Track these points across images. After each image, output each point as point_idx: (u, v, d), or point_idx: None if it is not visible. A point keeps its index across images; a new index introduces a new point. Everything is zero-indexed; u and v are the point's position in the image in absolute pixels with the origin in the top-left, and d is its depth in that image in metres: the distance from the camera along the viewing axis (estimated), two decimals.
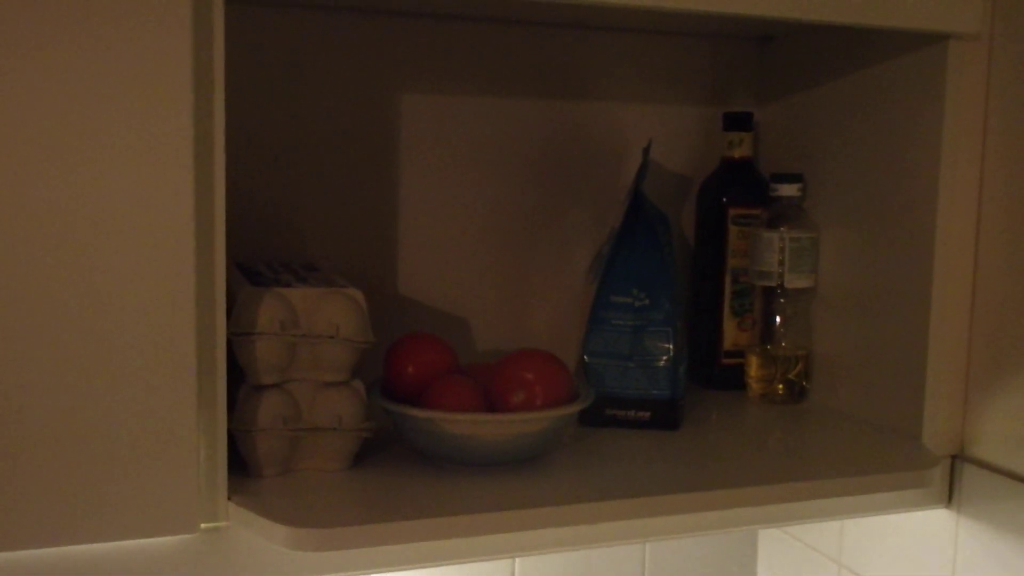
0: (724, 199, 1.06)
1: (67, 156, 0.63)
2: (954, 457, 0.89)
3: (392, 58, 0.99)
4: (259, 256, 0.93)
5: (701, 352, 1.07)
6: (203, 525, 0.69)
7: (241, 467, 0.75)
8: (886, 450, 0.88)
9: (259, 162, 0.96)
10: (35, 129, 0.62)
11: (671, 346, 0.92)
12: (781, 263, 1.00)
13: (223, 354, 0.69)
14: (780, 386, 1.02)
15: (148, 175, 0.65)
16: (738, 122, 1.07)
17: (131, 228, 0.65)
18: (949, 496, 0.89)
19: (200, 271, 0.67)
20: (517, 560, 1.08)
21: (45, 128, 0.63)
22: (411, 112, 1.00)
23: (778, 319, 1.02)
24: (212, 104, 0.67)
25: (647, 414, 0.92)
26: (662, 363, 0.92)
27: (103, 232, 0.64)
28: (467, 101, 1.02)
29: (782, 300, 1.02)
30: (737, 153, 1.07)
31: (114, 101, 0.64)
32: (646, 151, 0.97)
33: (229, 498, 0.70)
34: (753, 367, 1.03)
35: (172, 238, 0.66)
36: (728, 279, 1.06)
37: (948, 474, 0.89)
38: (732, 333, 1.06)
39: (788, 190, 1.01)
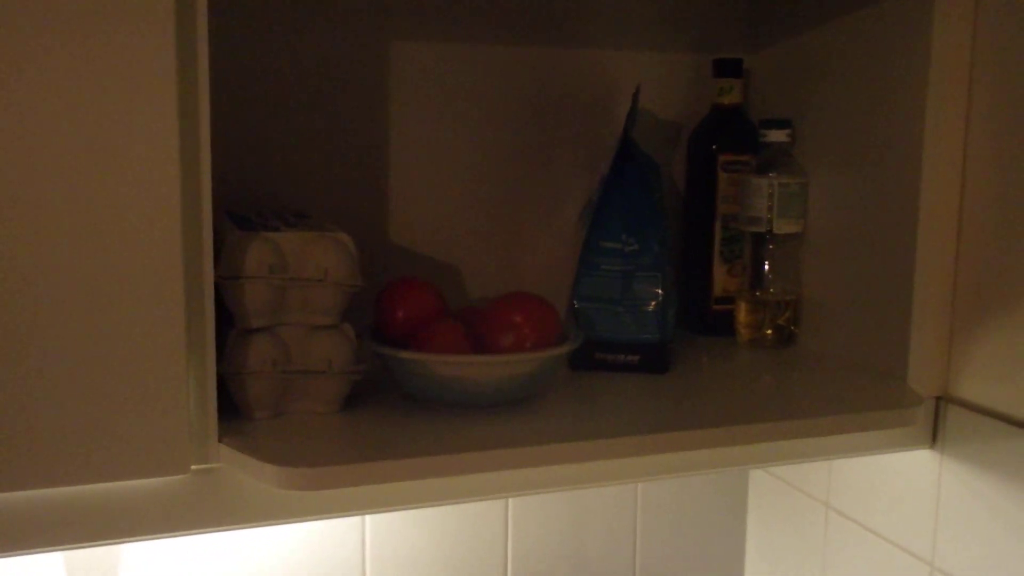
0: (714, 146, 1.06)
1: (53, 103, 0.63)
2: (939, 398, 0.90)
3: (382, 5, 0.99)
4: (250, 205, 0.93)
5: (692, 299, 1.08)
6: (194, 466, 0.70)
7: (233, 410, 0.76)
8: (871, 391, 0.89)
9: (249, 110, 0.95)
10: (20, 75, 0.62)
11: (660, 291, 0.92)
12: (770, 209, 1.00)
13: (211, 298, 0.70)
14: (769, 331, 1.02)
15: (133, 122, 0.65)
16: (728, 68, 1.06)
17: (116, 174, 0.65)
18: (933, 436, 0.90)
19: (186, 216, 0.67)
20: (510, 501, 1.10)
21: (31, 73, 0.63)
22: (401, 59, 1.00)
23: (767, 265, 1.03)
24: (196, 49, 0.67)
25: (636, 358, 0.92)
26: (651, 307, 0.92)
27: (90, 180, 0.65)
28: (457, 48, 1.02)
29: (771, 246, 1.02)
30: (727, 100, 1.06)
31: (95, 42, 0.64)
32: (635, 96, 0.97)
33: (220, 440, 0.71)
34: (742, 312, 1.04)
35: (158, 183, 0.66)
36: (718, 226, 1.06)
37: (932, 415, 0.90)
38: (722, 279, 1.07)
39: (777, 136, 1.01)
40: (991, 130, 0.85)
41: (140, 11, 0.64)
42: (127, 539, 0.71)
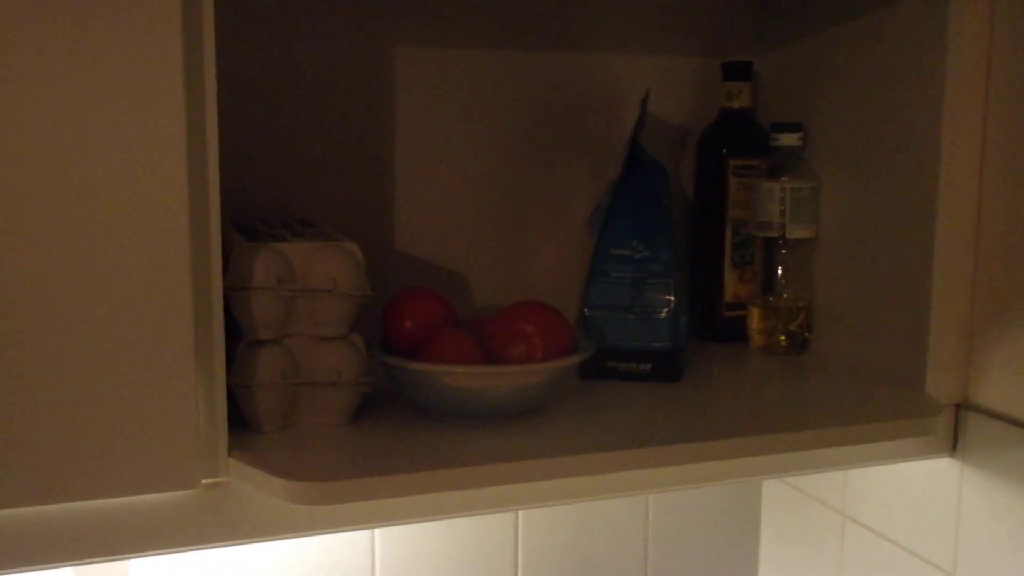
0: (724, 150, 1.05)
1: (58, 113, 0.62)
2: (958, 406, 0.89)
3: (387, 11, 0.98)
4: (257, 215, 0.93)
5: (702, 305, 1.07)
6: (204, 480, 0.69)
7: (241, 423, 0.75)
8: (889, 399, 0.88)
9: (254, 117, 0.95)
10: (26, 79, 0.62)
11: (672, 297, 0.91)
12: (782, 213, 0.99)
13: (219, 310, 0.69)
14: (782, 337, 1.01)
15: (140, 132, 0.64)
16: (737, 71, 1.05)
17: (125, 186, 0.64)
18: (953, 445, 0.89)
19: (195, 227, 0.67)
20: (520, 513, 1.09)
21: (37, 79, 0.62)
22: (407, 66, 0.99)
23: (779, 270, 1.02)
24: (203, 59, 0.66)
25: (648, 366, 0.91)
26: (663, 315, 0.91)
27: (97, 191, 0.64)
28: (464, 54, 1.01)
29: (783, 251, 1.01)
30: (736, 103, 1.05)
31: (102, 52, 0.63)
32: (644, 102, 0.96)
33: (229, 453, 0.70)
34: (755, 319, 1.03)
35: (166, 194, 0.65)
36: (729, 231, 1.05)
37: (952, 422, 0.88)
38: (733, 285, 1.06)
39: (788, 139, 1.00)
40: (1010, 130, 0.84)
41: (147, 21, 0.63)
42: (136, 554, 0.70)
